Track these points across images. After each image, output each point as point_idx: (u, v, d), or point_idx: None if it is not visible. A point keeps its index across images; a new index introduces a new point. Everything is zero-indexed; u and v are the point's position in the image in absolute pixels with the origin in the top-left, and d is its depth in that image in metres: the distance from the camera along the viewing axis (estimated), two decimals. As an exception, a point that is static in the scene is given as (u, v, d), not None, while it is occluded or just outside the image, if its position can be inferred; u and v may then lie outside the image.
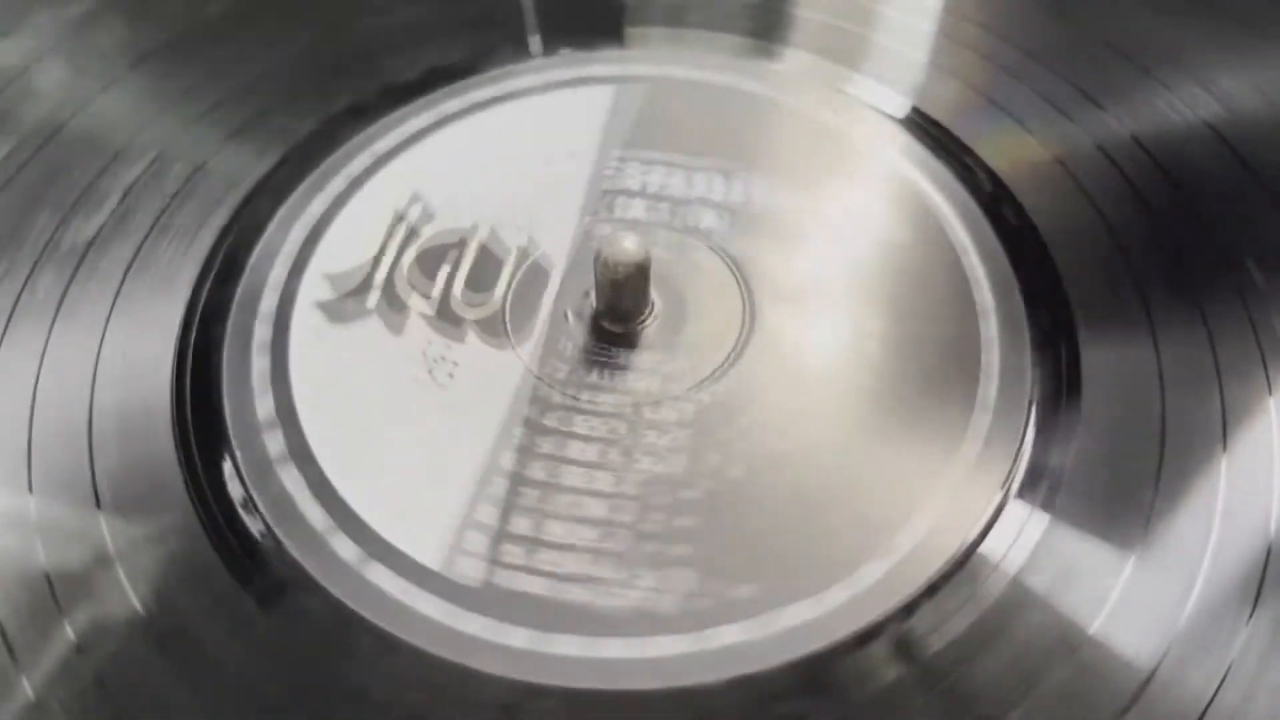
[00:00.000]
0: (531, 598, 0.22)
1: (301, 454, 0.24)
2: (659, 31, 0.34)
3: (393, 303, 0.27)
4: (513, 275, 0.28)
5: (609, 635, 0.22)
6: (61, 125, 0.30)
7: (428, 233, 0.29)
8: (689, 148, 0.30)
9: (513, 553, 0.23)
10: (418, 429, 0.25)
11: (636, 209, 0.29)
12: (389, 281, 0.27)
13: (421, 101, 0.31)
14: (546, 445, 0.25)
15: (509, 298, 0.27)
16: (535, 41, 0.34)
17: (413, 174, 0.30)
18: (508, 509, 0.24)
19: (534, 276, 0.28)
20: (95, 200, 0.29)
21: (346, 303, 0.27)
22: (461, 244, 0.28)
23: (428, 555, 0.23)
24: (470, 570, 0.23)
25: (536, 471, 0.24)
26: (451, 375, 0.26)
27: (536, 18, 0.34)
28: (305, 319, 0.27)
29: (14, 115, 0.31)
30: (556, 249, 0.28)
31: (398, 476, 0.24)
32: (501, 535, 0.23)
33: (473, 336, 0.27)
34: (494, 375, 0.26)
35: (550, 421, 0.25)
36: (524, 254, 0.28)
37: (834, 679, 0.21)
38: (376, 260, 0.28)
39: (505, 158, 0.30)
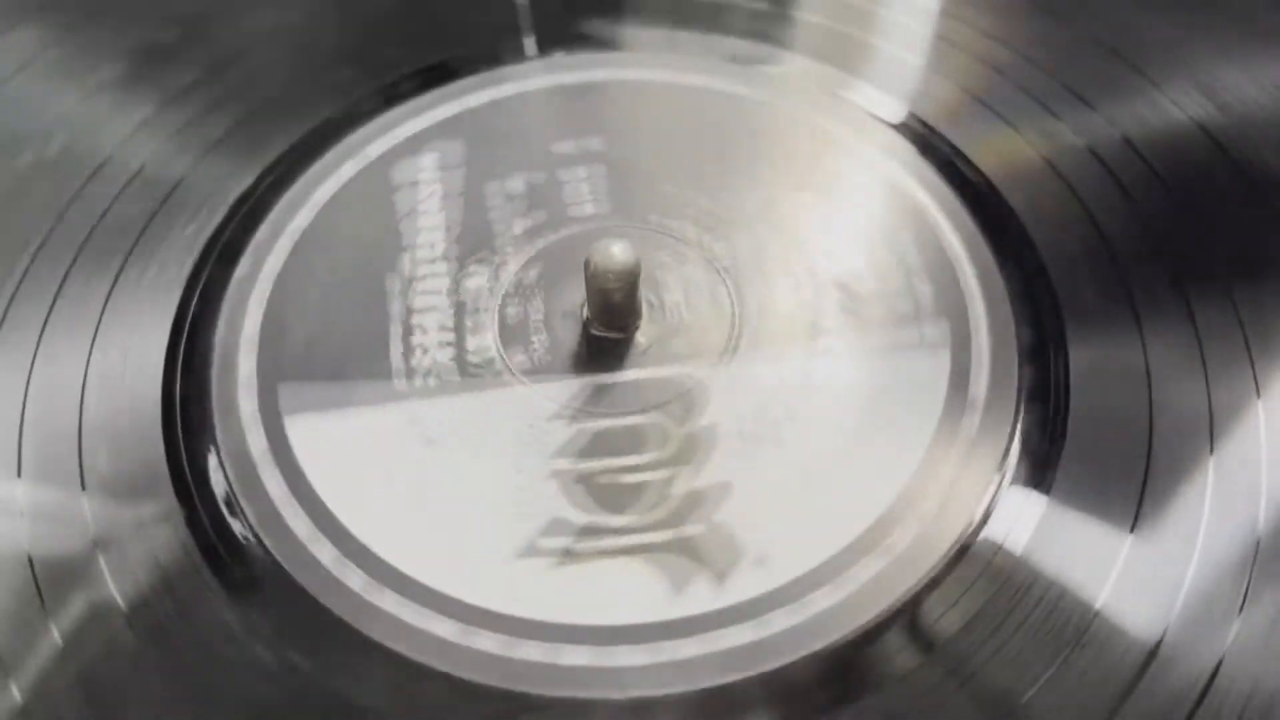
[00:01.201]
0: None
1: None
2: (655, 34, 0.34)
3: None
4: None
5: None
6: (49, 134, 0.31)
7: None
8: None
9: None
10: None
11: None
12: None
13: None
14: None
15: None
16: (530, 44, 0.34)
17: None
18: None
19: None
20: (84, 207, 0.29)
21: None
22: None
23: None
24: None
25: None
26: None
27: (533, 21, 0.34)
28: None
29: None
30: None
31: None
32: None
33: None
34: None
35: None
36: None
37: (849, 671, 0.22)
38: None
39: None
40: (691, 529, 0.24)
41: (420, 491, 0.25)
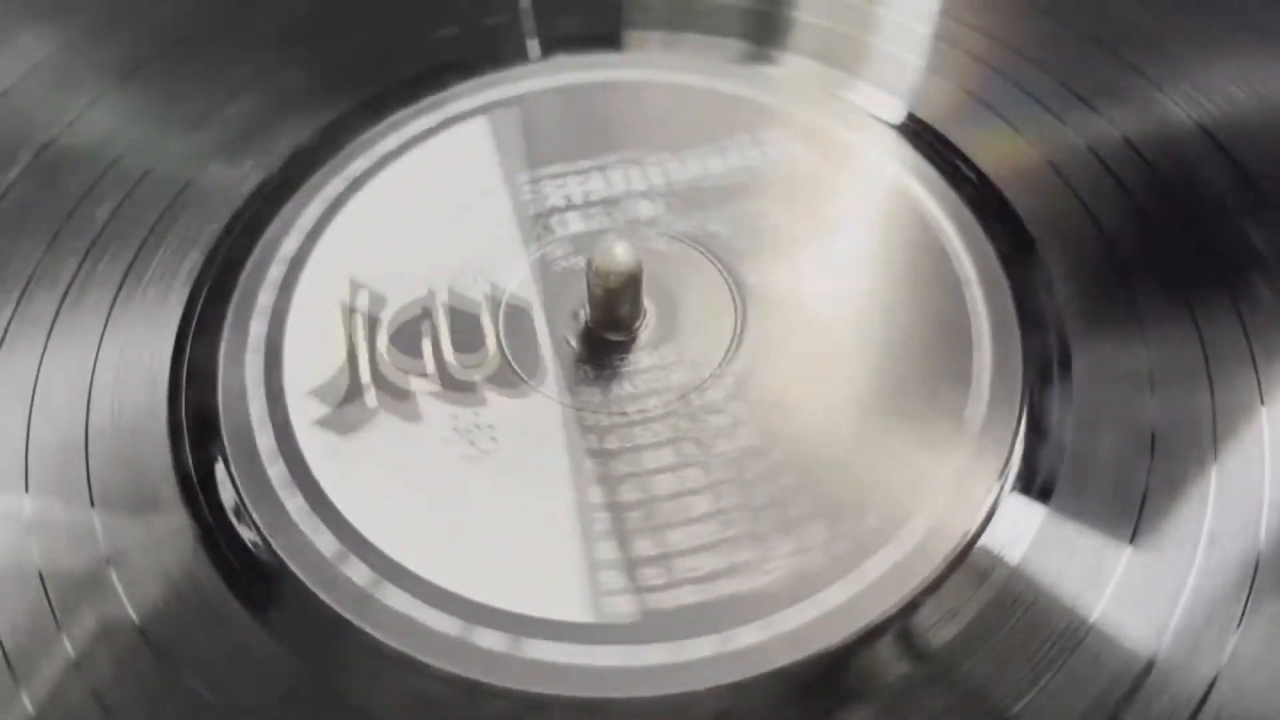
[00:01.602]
0: (690, 608, 0.23)
1: (376, 561, 0.24)
2: (656, 36, 0.34)
3: (394, 393, 0.26)
4: (495, 324, 0.28)
5: (779, 610, 0.23)
6: (52, 139, 0.31)
7: (388, 315, 0.28)
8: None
9: (652, 575, 0.23)
10: (488, 500, 0.25)
11: (577, 223, 0.30)
12: (378, 374, 0.27)
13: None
14: (623, 466, 0.25)
15: (504, 346, 0.27)
16: (534, 46, 0.34)
17: (341, 261, 0.29)
18: (624, 538, 0.24)
19: (516, 317, 0.28)
20: (90, 207, 0.29)
21: (346, 411, 0.26)
22: (427, 313, 0.28)
23: (574, 611, 0.23)
24: (622, 607, 0.23)
25: (629, 493, 0.25)
26: (494, 439, 0.26)
27: (535, 21, 0.34)
28: (312, 439, 0.26)
29: (5, 131, 0.31)
30: (523, 284, 0.28)
31: (491, 551, 0.24)
32: (632, 564, 0.24)
33: (492, 395, 0.26)
34: (533, 422, 0.26)
35: (613, 444, 0.25)
36: (494, 300, 0.28)
37: (842, 677, 0.22)
38: (352, 360, 0.27)
39: (433, 207, 0.30)
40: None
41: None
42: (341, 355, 0.27)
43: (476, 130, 0.32)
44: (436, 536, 0.24)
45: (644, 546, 0.24)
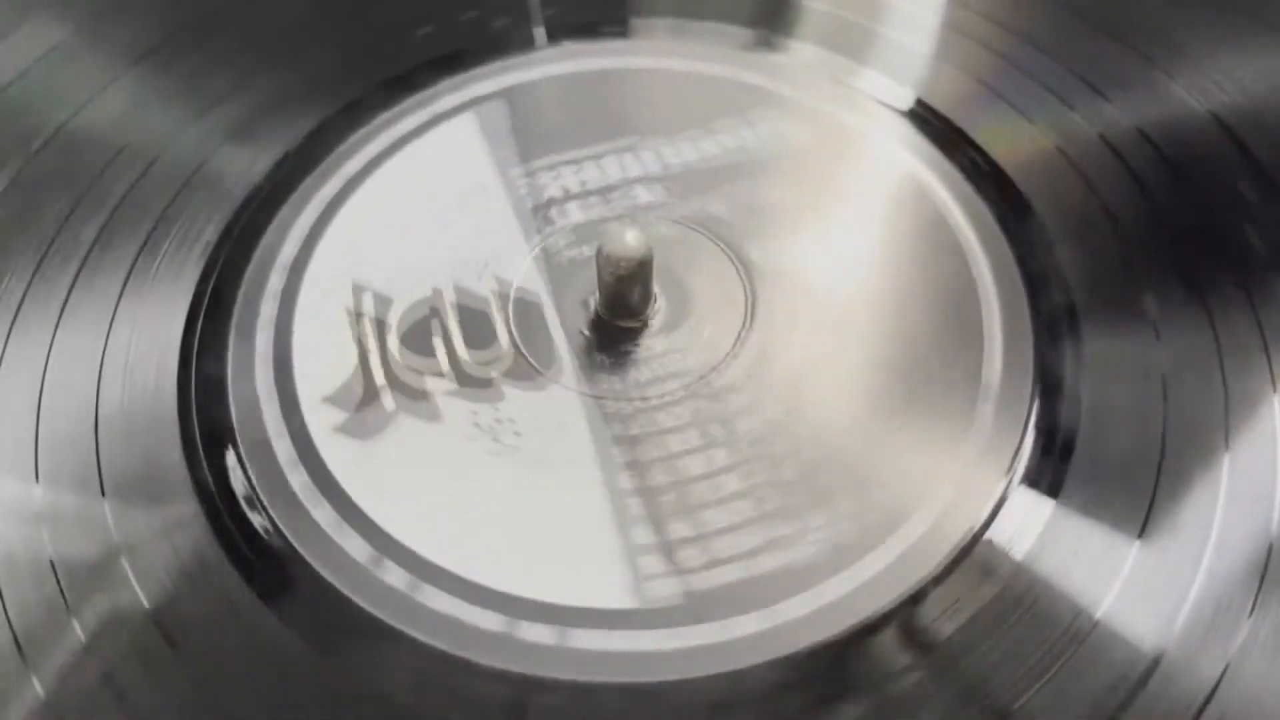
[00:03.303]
0: (735, 585, 0.23)
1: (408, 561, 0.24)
2: (664, 22, 0.34)
3: (411, 394, 0.26)
4: (506, 318, 0.27)
5: (822, 580, 0.23)
6: (61, 125, 0.31)
7: (394, 318, 0.28)
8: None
9: (692, 556, 0.23)
10: (519, 494, 0.24)
11: (574, 213, 0.30)
12: (392, 376, 0.26)
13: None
14: (651, 450, 0.25)
15: (517, 340, 0.27)
16: (540, 33, 0.33)
17: (341, 265, 0.28)
18: (659, 522, 0.24)
19: (525, 310, 0.28)
20: (97, 198, 0.29)
21: (366, 416, 0.26)
22: (435, 312, 0.28)
23: (618, 598, 0.23)
24: (665, 590, 0.23)
25: (658, 477, 0.25)
26: (518, 433, 0.25)
27: (539, 5, 0.34)
28: (331, 445, 0.25)
29: (14, 116, 0.31)
30: (528, 276, 0.28)
31: (527, 545, 0.24)
32: (670, 546, 0.24)
33: (510, 389, 0.26)
34: (554, 413, 0.26)
35: (637, 429, 0.25)
36: (501, 295, 0.28)
37: (846, 667, 0.22)
38: (364, 363, 0.27)
39: (429, 204, 0.30)
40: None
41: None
42: (353, 359, 0.27)
43: (468, 124, 0.31)
44: (470, 534, 0.24)
45: (679, 529, 0.24)
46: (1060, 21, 0.33)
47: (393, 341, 0.27)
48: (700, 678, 0.22)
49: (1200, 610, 0.22)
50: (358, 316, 0.28)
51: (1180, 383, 0.25)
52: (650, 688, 0.22)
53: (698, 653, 0.22)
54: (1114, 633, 0.22)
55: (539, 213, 0.29)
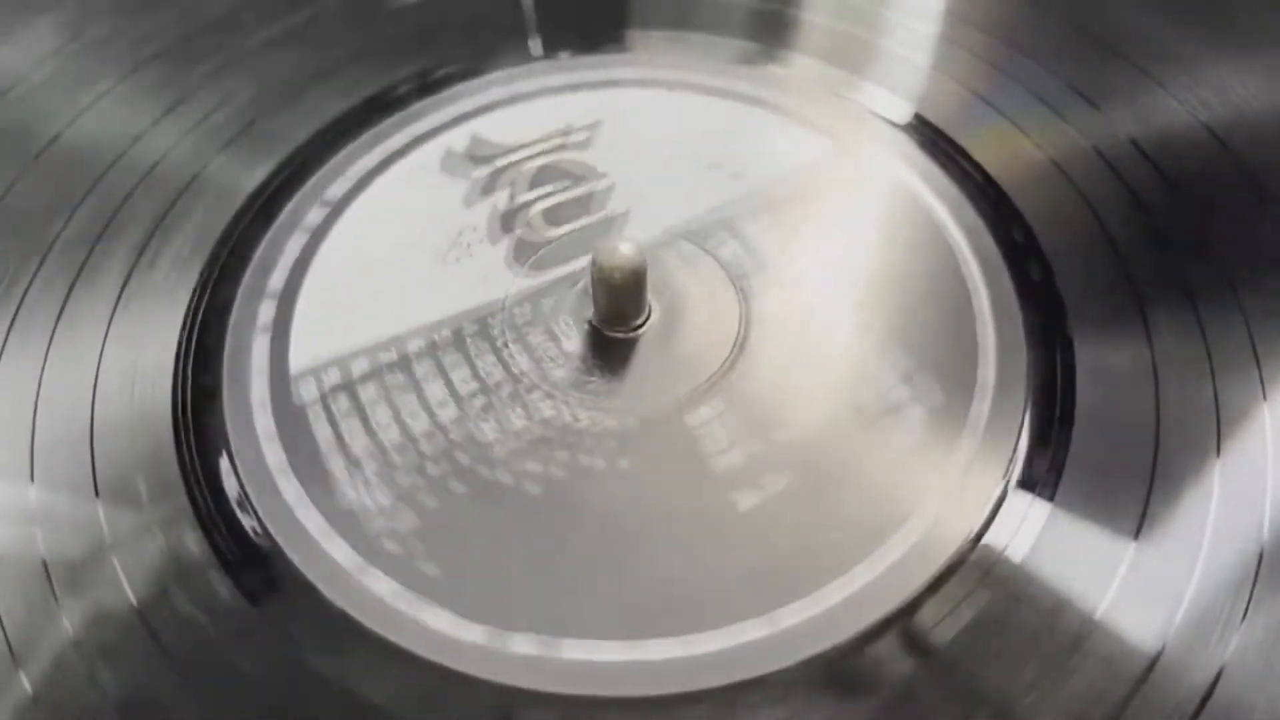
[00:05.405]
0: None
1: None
2: (661, 35, 0.34)
3: (487, 187, 0.30)
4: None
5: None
6: (58, 134, 0.32)
7: (568, 156, 0.31)
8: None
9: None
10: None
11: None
12: (505, 170, 0.30)
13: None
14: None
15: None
16: (536, 44, 0.34)
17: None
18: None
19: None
20: (96, 205, 0.30)
21: (465, 163, 0.31)
22: (579, 180, 0.30)
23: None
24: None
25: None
26: (471, 248, 0.29)
27: (536, 20, 0.34)
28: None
29: (13, 122, 0.32)
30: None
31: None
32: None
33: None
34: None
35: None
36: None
37: (843, 676, 0.22)
38: (516, 149, 0.31)
39: (673, 149, 0.31)
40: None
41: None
42: (515, 143, 0.30)
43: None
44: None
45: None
46: (1055, 34, 0.34)
47: (540, 161, 0.30)
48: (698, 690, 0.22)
49: (1196, 610, 0.22)
50: (565, 132, 0.31)
51: (1172, 388, 0.26)
52: (645, 700, 0.22)
53: (701, 661, 0.22)
54: (1111, 633, 0.22)
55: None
